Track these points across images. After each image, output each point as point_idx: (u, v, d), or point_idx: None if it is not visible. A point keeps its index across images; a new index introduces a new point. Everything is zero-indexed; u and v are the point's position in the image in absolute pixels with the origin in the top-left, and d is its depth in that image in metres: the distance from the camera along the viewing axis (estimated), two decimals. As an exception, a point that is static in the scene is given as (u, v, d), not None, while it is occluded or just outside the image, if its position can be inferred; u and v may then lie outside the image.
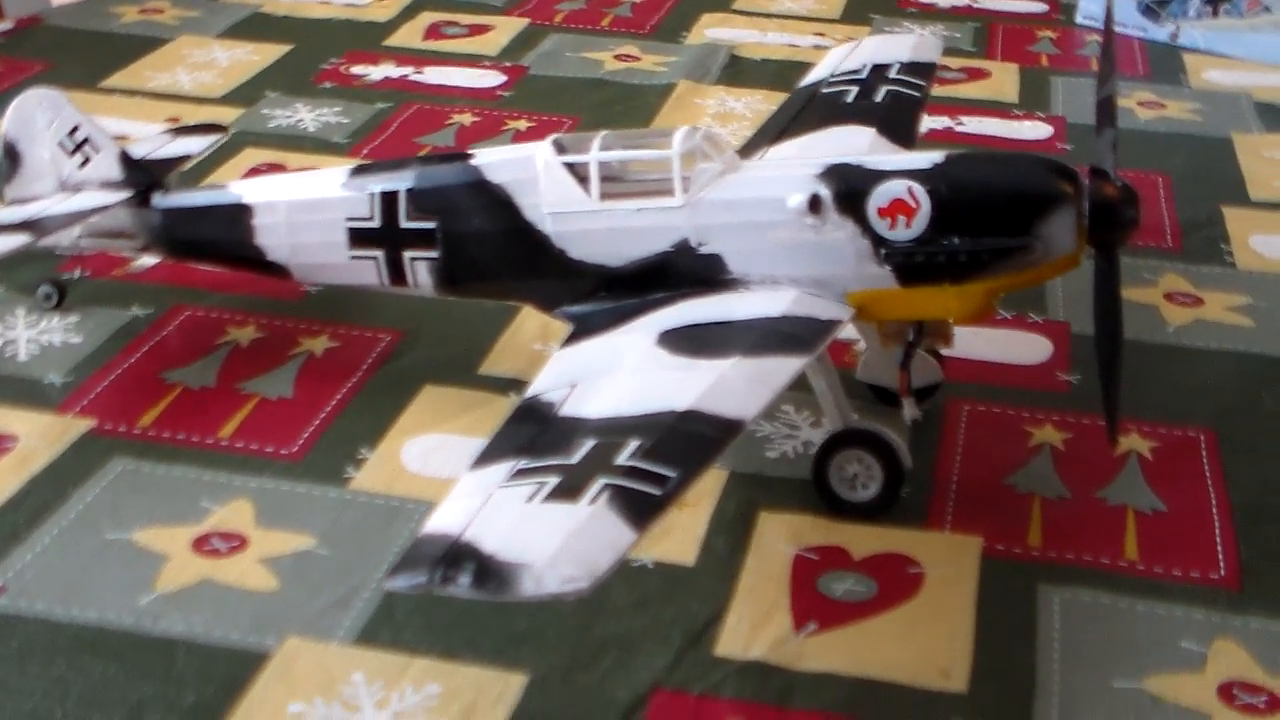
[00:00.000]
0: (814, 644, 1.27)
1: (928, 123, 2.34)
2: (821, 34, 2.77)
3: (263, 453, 1.51)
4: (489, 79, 2.51)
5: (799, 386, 1.38)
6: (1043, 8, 2.99)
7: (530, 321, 1.73)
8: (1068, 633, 1.29)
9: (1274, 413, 1.62)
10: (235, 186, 1.63)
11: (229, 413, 1.57)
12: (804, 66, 2.54)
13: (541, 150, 1.47)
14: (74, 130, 1.68)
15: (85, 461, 1.49)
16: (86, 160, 1.67)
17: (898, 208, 1.37)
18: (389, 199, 1.52)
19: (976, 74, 2.60)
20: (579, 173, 1.45)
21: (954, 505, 1.45)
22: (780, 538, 1.40)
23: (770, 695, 1.22)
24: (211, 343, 1.70)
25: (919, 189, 1.36)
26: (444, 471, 1.47)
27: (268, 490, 1.45)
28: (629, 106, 2.40)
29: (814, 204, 1.38)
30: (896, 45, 1.90)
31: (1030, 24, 2.87)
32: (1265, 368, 1.70)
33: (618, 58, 2.62)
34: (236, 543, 1.38)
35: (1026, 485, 1.49)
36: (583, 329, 1.42)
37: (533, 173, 1.46)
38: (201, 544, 1.37)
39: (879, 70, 1.81)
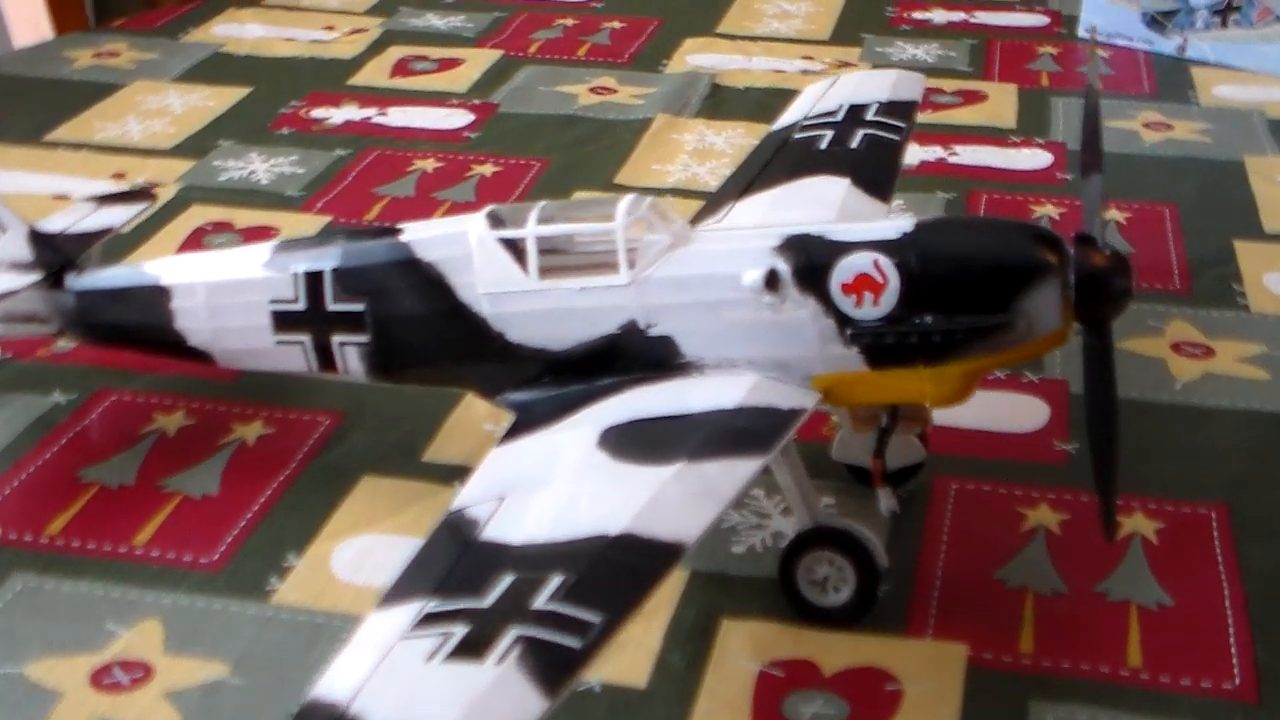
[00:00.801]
0: (775, 782, 1.14)
1: (919, 154, 2.22)
2: (810, 57, 2.64)
3: (180, 562, 1.38)
4: (456, 119, 2.38)
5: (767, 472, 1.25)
6: (1043, 20, 2.86)
7: (481, 400, 1.59)
8: (1062, 760, 1.16)
9: (1293, 484, 1.47)
10: (151, 266, 1.50)
11: (147, 515, 1.44)
12: (789, 94, 2.38)
13: (475, 224, 1.34)
14: (-21, 207, 1.55)
15: (-19, 580, 1.36)
16: (-7, 240, 1.55)
17: (863, 283, 1.23)
18: (314, 279, 1.39)
19: (973, 97, 2.46)
20: (516, 248, 1.31)
21: (938, 606, 1.32)
22: (743, 651, 1.27)
23: None
24: (137, 432, 1.58)
25: (886, 262, 1.23)
26: (377, 579, 1.34)
27: (181, 608, 1.32)
28: (602, 146, 2.27)
29: (771, 280, 1.24)
30: (875, 83, 1.76)
31: (1030, 39, 2.74)
32: (1282, 428, 1.56)
33: (593, 90, 2.49)
34: (140, 673, 1.25)
35: (1019, 579, 1.35)
36: (524, 420, 1.29)
37: (466, 249, 1.33)
38: (101, 677, 1.24)
39: (855, 111, 1.67)
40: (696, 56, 2.64)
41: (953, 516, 1.43)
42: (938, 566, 1.37)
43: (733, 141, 2.28)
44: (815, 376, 1.26)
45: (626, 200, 1.30)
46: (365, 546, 1.40)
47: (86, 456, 1.54)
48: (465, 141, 2.30)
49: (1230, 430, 1.56)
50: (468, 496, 1.16)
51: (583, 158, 2.23)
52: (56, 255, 1.55)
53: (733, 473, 1.14)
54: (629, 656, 1.26)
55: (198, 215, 2.05)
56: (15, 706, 1.21)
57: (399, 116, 2.39)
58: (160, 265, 1.50)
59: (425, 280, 1.35)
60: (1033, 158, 2.23)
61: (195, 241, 1.98)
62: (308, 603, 1.33)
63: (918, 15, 2.86)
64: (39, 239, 1.56)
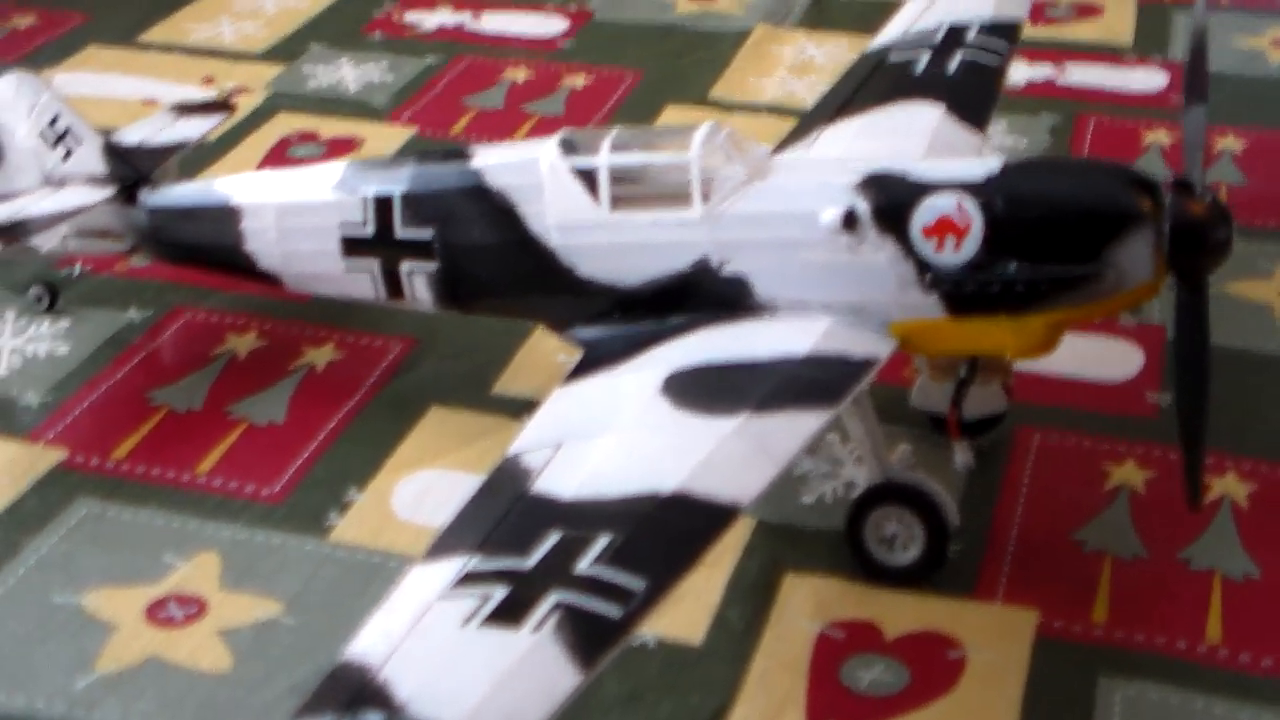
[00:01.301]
0: (822, 751, 1.11)
1: (1026, 73, 2.13)
2: (921, -36, 2.53)
3: (241, 493, 1.37)
4: (551, 25, 2.32)
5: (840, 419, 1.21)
6: (1170, -72, 2.71)
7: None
8: (1129, 742, 1.11)
9: (1404, 447, 1.39)
10: (222, 184, 1.48)
11: (212, 442, 1.43)
12: (896, 6, 2.34)
13: (547, 151, 1.29)
14: (54, 120, 1.54)
15: (47, 504, 1.36)
16: (69, 153, 1.54)
17: (945, 227, 1.17)
18: (383, 204, 1.36)
19: (1087, 10, 2.35)
20: (589, 177, 1.27)
21: (1010, 567, 1.27)
22: (804, 610, 1.23)
23: (773, 817, 1.06)
24: (207, 354, 1.56)
25: (970, 205, 1.17)
26: (435, 519, 1.29)
27: (240, 541, 1.31)
28: (698, 58, 2.20)
29: (849, 220, 1.19)
30: (977, 2, 1.68)
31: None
32: (1398, 386, 1.48)
33: (692, -2, 2.42)
34: (194, 609, 1.24)
35: (1098, 542, 1.29)
36: (590, 358, 1.25)
37: (537, 178, 1.29)
38: (156, 611, 1.24)
39: (954, 33, 1.60)
40: (804, -38, 2.55)
41: (1033, 471, 1.38)
42: (1013, 525, 1.31)
43: (833, 56, 2.20)
44: (893, 323, 1.21)
45: (704, 129, 1.25)
46: (428, 482, 1.38)
47: (158, 377, 1.53)
48: (558, 50, 2.25)
49: (1340, 386, 1.48)
50: (525, 441, 1.13)
51: (678, 70, 2.17)
52: (131, 169, 1.53)
53: (797, 428, 1.10)
54: (686, 610, 1.22)
55: (284, 124, 2.02)
56: (71, 637, 1.21)
57: (493, 22, 2.34)
58: (231, 183, 1.48)
59: (494, 209, 1.31)
60: (1147, 78, 2.13)
61: (280, 152, 1.95)
62: (365, 540, 1.31)
63: (1037, -79, 2.73)
64: (114, 152, 1.54)
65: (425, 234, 1.34)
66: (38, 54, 2.24)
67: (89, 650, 1.20)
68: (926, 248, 1.18)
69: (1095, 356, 1.52)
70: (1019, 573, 1.26)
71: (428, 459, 1.41)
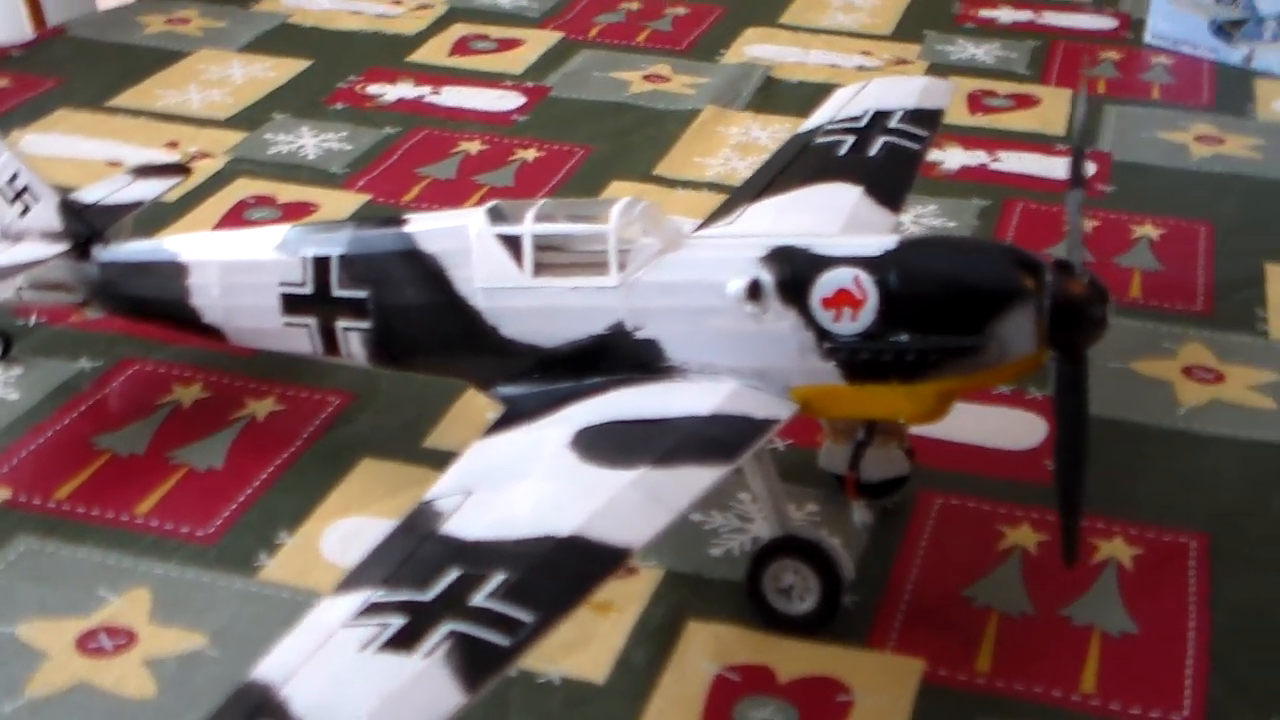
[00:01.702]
0: (715, 786, 1.17)
1: (961, 159, 2.22)
2: (868, 53, 2.64)
3: (176, 534, 1.43)
4: (507, 101, 2.41)
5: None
6: (1111, 23, 2.83)
7: (482, 389, 1.64)
8: (1001, 783, 1.18)
9: None
10: (171, 242, 1.55)
11: (151, 485, 1.50)
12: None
13: (475, 219, 1.37)
14: (13, 178, 1.61)
15: (-12, 540, 1.42)
16: (27, 209, 1.61)
17: (843, 299, 1.25)
18: (321, 264, 1.43)
19: (1025, 101, 2.46)
20: (514, 245, 1.34)
21: (902, 619, 1.34)
22: (704, 653, 1.29)
23: (657, 847, 1.12)
24: (153, 402, 1.63)
25: (866, 279, 1.25)
26: (360, 562, 1.38)
27: (171, 579, 1.37)
28: (646, 135, 2.30)
29: (754, 290, 1.27)
30: (904, 89, 1.77)
31: (1095, 42, 2.71)
32: (1280, 461, 1.56)
33: (646, 78, 2.51)
34: (124, 640, 1.30)
35: (986, 598, 1.36)
36: (510, 414, 1.33)
37: (466, 243, 1.37)
38: (87, 641, 1.30)
39: (879, 118, 1.69)
40: (754, 47, 2.65)
41: (932, 531, 1.45)
42: (909, 581, 1.38)
43: (777, 137, 2.28)
44: (794, 387, 1.28)
45: (622, 202, 1.33)
46: (355, 528, 1.44)
47: (103, 424, 1.60)
48: (513, 125, 2.33)
49: (1227, 459, 1.56)
50: (439, 489, 1.20)
51: (626, 147, 2.26)
52: (85, 226, 1.60)
53: (691, 481, 1.17)
54: (592, 652, 1.29)
55: (242, 188, 2.10)
56: (3, 664, 1.27)
57: (451, 96, 2.43)
58: (180, 242, 1.55)
59: (426, 271, 1.39)
60: (1075, 167, 2.22)
61: (237, 214, 2.03)
62: (292, 580, 1.37)
63: (984, 13, 2.85)
64: (70, 209, 1.62)
65: (361, 293, 1.42)
66: (10, 115, 2.32)
67: (19, 676, 1.26)
68: (825, 317, 1.26)
69: (1001, 427, 1.60)
70: (910, 625, 1.33)
71: (356, 507, 1.47)
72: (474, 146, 2.25)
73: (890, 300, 1.24)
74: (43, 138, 2.24)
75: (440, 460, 1.49)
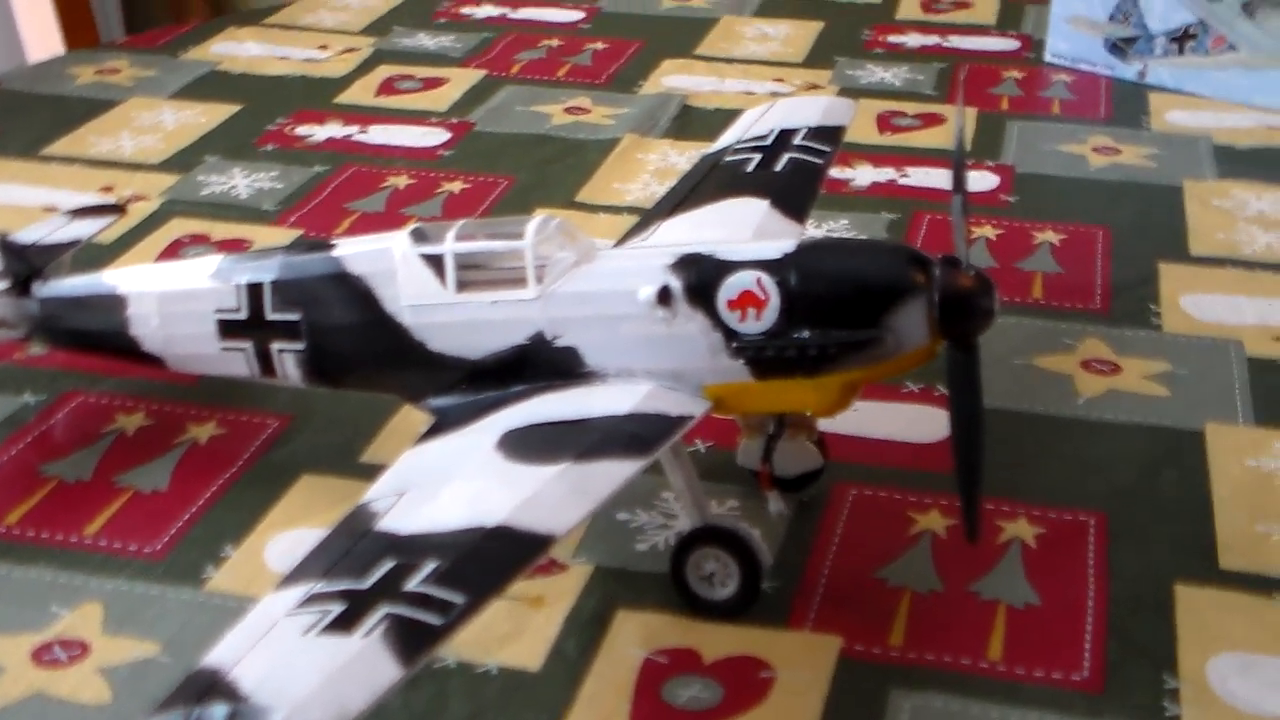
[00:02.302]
0: (646, 759, 1.24)
1: (871, 175, 2.31)
2: (780, 79, 2.74)
3: (125, 551, 1.49)
4: (432, 137, 2.49)
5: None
6: (1014, 45, 2.94)
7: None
8: (915, 743, 1.25)
9: (1171, 494, 1.56)
10: (109, 275, 1.62)
11: (99, 508, 1.56)
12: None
13: (399, 241, 1.44)
14: (-45, 220, 1.67)
15: (-58, 565, 1.47)
16: (-34, 250, 1.67)
17: (747, 300, 1.34)
18: (255, 290, 1.50)
19: (932, 120, 2.56)
20: (437, 263, 1.42)
21: (820, 601, 1.41)
22: (633, 640, 1.37)
23: (591, 817, 1.19)
24: (97, 431, 1.69)
25: (768, 280, 1.33)
26: (303, 570, 1.45)
27: (121, 593, 1.43)
28: (567, 164, 2.38)
29: (664, 296, 1.35)
30: (808, 109, 1.87)
31: (998, 63, 2.82)
32: (1172, 442, 1.65)
33: (568, 110, 2.60)
34: (78, 651, 1.36)
35: (899, 578, 1.44)
36: (440, 423, 1.40)
37: (391, 264, 1.44)
38: (42, 654, 1.35)
39: (784, 136, 1.77)
40: (672, 78, 2.75)
41: (847, 520, 1.53)
42: (825, 566, 1.46)
43: (694, 161, 2.36)
44: (707, 386, 1.36)
45: (537, 220, 1.41)
46: (297, 539, 1.50)
47: (49, 453, 1.65)
48: (439, 159, 2.41)
49: (1122, 443, 1.65)
50: (374, 492, 1.27)
51: (548, 176, 2.34)
52: (24, 265, 1.66)
53: (611, 473, 1.24)
54: (527, 642, 1.36)
55: (178, 228, 2.16)
56: (-40, 679, 1.33)
57: (379, 134, 2.50)
58: (117, 275, 1.62)
59: (354, 292, 1.46)
60: (981, 179, 2.32)
61: (173, 252, 2.09)
62: (239, 590, 1.44)
63: (892, 39, 2.95)
64: (9, 249, 1.68)
65: (293, 316, 1.49)
66: (-56, 165, 2.37)
67: (-24, 689, 1.31)
68: (732, 318, 1.34)
69: (913, 421, 1.68)
70: (827, 606, 1.41)
71: (298, 519, 1.54)
72: (401, 181, 2.33)
73: (791, 299, 1.32)
74: (-25, 186, 2.30)
75: (376, 473, 1.55)
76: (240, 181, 2.31)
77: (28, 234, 1.74)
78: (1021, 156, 2.40)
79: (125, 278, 1.60)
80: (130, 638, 1.38)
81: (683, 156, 2.40)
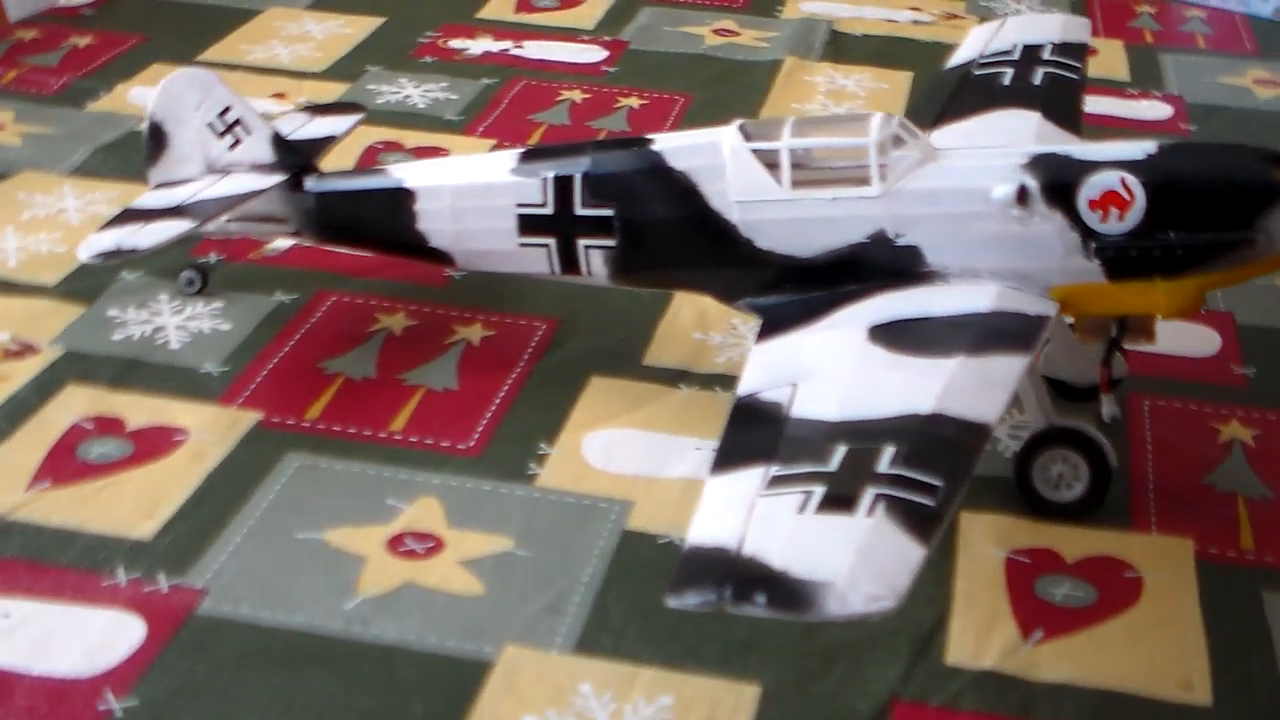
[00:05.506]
0: (1044, 653, 1.24)
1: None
2: (918, 8, 2.72)
3: (439, 447, 1.46)
4: (591, 54, 2.45)
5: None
6: (1137, -23, 2.94)
7: (686, 309, 1.69)
8: (1304, 644, 1.26)
9: None
10: (396, 170, 1.58)
11: (397, 405, 1.52)
12: (906, 43, 2.53)
13: (728, 136, 1.42)
14: (225, 111, 1.62)
15: (260, 456, 1.44)
16: (237, 142, 1.62)
17: (1110, 200, 1.33)
18: (563, 184, 1.47)
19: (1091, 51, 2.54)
20: (768, 160, 1.40)
21: (1156, 506, 1.41)
22: (987, 540, 1.36)
23: (1010, 707, 1.18)
24: (364, 331, 1.65)
25: (1133, 180, 1.32)
26: (630, 468, 1.44)
27: (452, 488, 1.41)
28: (739, 84, 2.35)
29: (1021, 195, 1.33)
30: (1045, 25, 1.85)
31: (1128, -2, 2.82)
32: None
33: (717, 32, 2.57)
34: (432, 544, 1.33)
35: (1227, 485, 1.45)
36: (773, 322, 1.37)
37: (719, 159, 1.42)
38: (396, 545, 1.33)
39: (1031, 51, 1.76)
40: (810, 4, 2.72)
41: (1153, 429, 1.53)
42: (1148, 472, 1.46)
43: (863, 84, 2.36)
44: (1054, 287, 1.35)
45: (879, 116, 1.39)
46: (612, 439, 1.48)
47: (324, 350, 1.62)
48: (605, 75, 2.37)
49: None
50: (753, 384, 1.24)
51: (723, 95, 2.31)
52: (296, 159, 1.62)
53: (1008, 367, 1.23)
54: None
55: (365, 134, 2.11)
56: (328, 567, 1.30)
57: (535, 50, 2.46)
58: (403, 169, 1.58)
59: (676, 187, 1.43)
60: (1153, 109, 2.33)
61: (370, 159, 2.05)
62: (569, 486, 1.41)
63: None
64: (281, 142, 1.63)
65: (606, 211, 1.46)
66: (104, 71, 2.31)
67: (347, 577, 1.28)
68: (1092, 218, 1.33)
69: (1179, 338, 1.68)
70: (1165, 510, 1.41)
71: (604, 419, 1.51)
72: (576, 95, 2.29)
73: (1159, 200, 1.31)
74: (148, 90, 2.22)
75: (666, 376, 1.57)
76: (413, 91, 2.27)
77: (282, 126, 1.69)
78: (1185, 87, 2.40)
79: (412, 172, 1.57)
80: (479, 531, 1.35)
81: (849, 79, 2.38)
